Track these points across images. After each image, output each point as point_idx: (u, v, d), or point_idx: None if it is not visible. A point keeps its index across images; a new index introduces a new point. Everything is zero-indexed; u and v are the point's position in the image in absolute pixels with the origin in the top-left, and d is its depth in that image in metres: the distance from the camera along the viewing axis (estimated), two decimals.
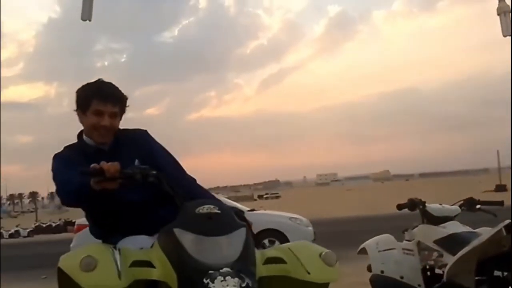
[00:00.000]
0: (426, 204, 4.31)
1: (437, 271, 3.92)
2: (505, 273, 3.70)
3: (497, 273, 3.72)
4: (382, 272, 4.36)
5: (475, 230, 4.03)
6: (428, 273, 4.07)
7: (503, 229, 3.26)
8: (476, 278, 3.65)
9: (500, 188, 34.93)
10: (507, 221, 3.28)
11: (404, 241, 4.38)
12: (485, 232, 3.51)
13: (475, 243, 3.48)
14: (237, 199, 24.59)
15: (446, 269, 3.70)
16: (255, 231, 13.30)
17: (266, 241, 12.52)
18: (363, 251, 4.64)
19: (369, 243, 4.62)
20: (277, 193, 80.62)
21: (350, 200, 44.31)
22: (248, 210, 13.37)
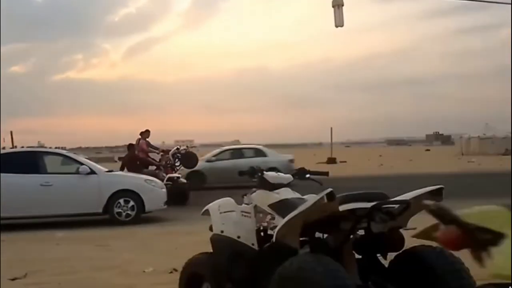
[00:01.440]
0: (264, 172, 4.39)
1: (270, 232, 4.00)
2: (325, 235, 3.88)
3: (318, 235, 3.88)
4: (221, 232, 4.38)
5: (303, 197, 4.17)
6: (262, 233, 4.15)
7: (325, 196, 3.38)
8: (301, 239, 3.77)
9: (331, 160, 36.81)
10: (328, 189, 3.41)
11: (243, 205, 4.44)
12: (310, 199, 3.63)
13: (301, 208, 3.58)
14: (98, 160, 23.88)
15: (275, 231, 3.79)
16: (111, 191, 13.02)
17: (121, 201, 12.28)
18: (207, 213, 4.65)
19: (212, 206, 4.63)
20: None
21: None
22: (106, 171, 13.02)
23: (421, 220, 9.07)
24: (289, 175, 4.49)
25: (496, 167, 29.71)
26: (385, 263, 3.92)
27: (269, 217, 4.12)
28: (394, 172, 27.75)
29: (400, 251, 3.78)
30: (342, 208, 3.52)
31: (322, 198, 3.39)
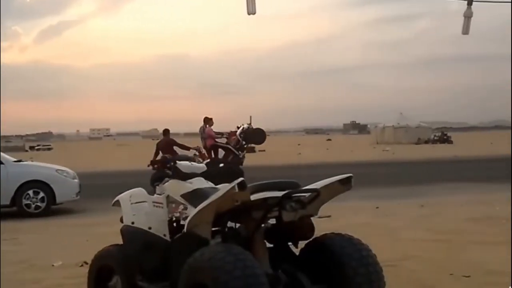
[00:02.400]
0: (177, 161, 4.36)
1: (182, 222, 3.98)
2: (238, 225, 3.90)
3: (231, 224, 3.90)
4: (132, 223, 4.32)
5: (217, 186, 4.17)
6: (175, 224, 4.12)
7: (236, 186, 3.40)
8: (213, 229, 3.78)
9: (250, 149, 36.94)
10: (240, 179, 3.43)
11: (155, 195, 4.39)
12: (223, 188, 3.63)
13: (212, 198, 3.59)
14: (7, 150, 22.77)
15: (186, 221, 3.78)
16: (20, 182, 12.50)
17: (30, 192, 11.85)
18: (117, 204, 4.57)
19: (123, 196, 4.55)
20: (49, 145, 76.47)
21: (120, 155, 43.75)
22: (14, 161, 12.50)
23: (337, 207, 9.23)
24: (202, 165, 4.48)
25: (409, 155, 30.97)
26: (297, 251, 4.00)
27: (181, 207, 4.10)
28: (311, 160, 28.30)
29: (311, 239, 3.86)
30: (253, 197, 3.55)
31: (233, 187, 3.41)
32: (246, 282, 3.15)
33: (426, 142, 49.67)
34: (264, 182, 3.71)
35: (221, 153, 17.40)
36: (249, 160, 26.90)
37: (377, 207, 10.48)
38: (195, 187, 4.11)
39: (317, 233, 3.89)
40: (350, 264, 3.59)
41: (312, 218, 3.90)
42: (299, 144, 53.34)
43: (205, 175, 4.34)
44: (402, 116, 54.68)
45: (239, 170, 14.98)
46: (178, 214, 4.10)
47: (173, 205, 4.17)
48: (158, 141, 16.91)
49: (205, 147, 16.98)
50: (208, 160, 16.14)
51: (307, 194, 3.71)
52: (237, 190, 3.40)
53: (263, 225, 3.78)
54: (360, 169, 22.20)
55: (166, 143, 16.08)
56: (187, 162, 4.41)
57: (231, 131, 17.63)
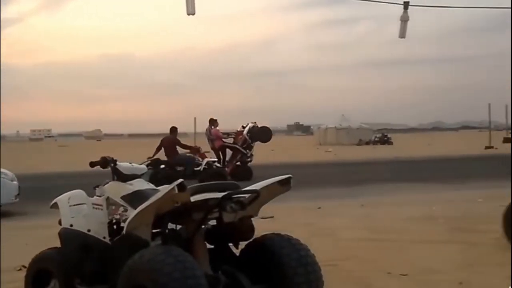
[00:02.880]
0: (117, 162, 4.30)
1: (123, 224, 3.93)
2: (179, 226, 3.88)
3: (171, 226, 3.88)
4: (71, 225, 4.24)
5: (158, 188, 4.14)
6: (115, 226, 4.07)
7: (176, 187, 3.39)
8: (153, 230, 3.75)
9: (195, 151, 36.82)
10: (179, 180, 3.42)
11: (95, 197, 4.32)
12: (163, 190, 3.61)
13: (152, 199, 3.57)
14: None
15: (126, 223, 3.73)
16: None
17: None
18: (55, 206, 4.47)
19: (61, 198, 4.46)
20: None
21: (61, 156, 42.72)
22: None
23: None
24: (143, 166, 4.44)
25: (351, 156, 31.48)
26: (237, 252, 4.01)
27: (121, 209, 4.05)
28: (255, 161, 28.37)
29: (251, 240, 3.89)
30: (193, 198, 3.55)
31: (173, 189, 3.40)
32: (185, 284, 3.14)
33: (367, 143, 50.59)
34: (204, 183, 3.73)
35: (228, 153, 17.88)
36: None
37: (319, 208, 10.60)
38: (135, 189, 4.07)
39: (261, 233, 3.92)
40: (289, 264, 3.64)
41: (254, 218, 3.93)
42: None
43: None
44: (344, 117, 55.55)
45: (220, 170, 15.75)
46: (118, 216, 4.05)
47: (113, 207, 4.12)
48: (163, 137, 16.89)
49: (213, 148, 17.42)
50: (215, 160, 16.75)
51: (247, 195, 3.73)
52: (176, 191, 3.39)
53: (203, 226, 3.79)
54: (303, 170, 22.45)
55: (171, 141, 16.26)
56: (127, 163, 4.36)
57: (238, 131, 17.92)
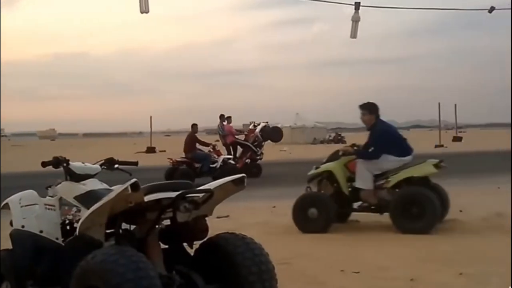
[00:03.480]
0: (70, 162, 4.22)
1: (76, 225, 3.86)
2: (133, 226, 3.84)
3: (126, 226, 3.84)
4: (22, 226, 4.14)
5: (111, 188, 4.08)
6: (68, 227, 4.00)
7: (129, 187, 3.35)
8: (107, 231, 3.70)
9: (150, 150, 36.49)
10: (133, 180, 3.38)
11: (47, 197, 4.23)
12: (117, 189, 3.56)
13: (104, 199, 3.52)
14: None
15: (79, 223, 3.67)
16: None
17: None
18: (7, 206, 4.36)
19: (12, 199, 4.35)
20: None
21: (14, 156, 41.65)
22: None
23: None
24: (96, 166, 4.37)
25: (305, 155, 31.70)
26: (192, 252, 3.99)
27: (74, 209, 3.99)
28: None
29: (205, 240, 3.88)
30: (147, 198, 3.52)
31: (126, 189, 3.36)
32: (139, 284, 3.11)
33: (322, 142, 51.04)
34: (158, 183, 3.69)
35: (239, 150, 18.30)
36: (149, 160, 26.53)
37: (274, 207, 10.64)
38: (88, 189, 4.00)
39: (216, 232, 3.92)
40: (243, 263, 3.64)
41: (209, 218, 3.93)
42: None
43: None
44: (298, 116, 55.84)
45: (233, 167, 16.03)
46: (71, 217, 3.99)
47: (66, 208, 4.05)
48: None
49: (224, 144, 17.81)
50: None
51: (201, 195, 3.72)
52: (130, 191, 3.35)
53: (157, 226, 3.76)
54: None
55: (190, 138, 16.94)
56: (79, 163, 4.29)
57: (250, 129, 18.39)
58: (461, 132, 54.40)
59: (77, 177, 4.15)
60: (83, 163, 4.33)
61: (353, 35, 9.04)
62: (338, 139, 52.35)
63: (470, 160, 23.10)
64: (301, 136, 51.96)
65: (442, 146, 35.91)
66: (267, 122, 18.66)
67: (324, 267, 5.70)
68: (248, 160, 17.54)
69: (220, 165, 16.25)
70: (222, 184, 3.77)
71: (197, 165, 16.15)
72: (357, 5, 8.78)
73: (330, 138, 53.99)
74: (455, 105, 43.78)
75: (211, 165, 16.20)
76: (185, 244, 3.99)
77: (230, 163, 16.75)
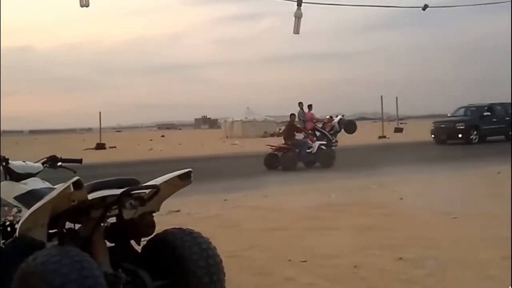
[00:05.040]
0: (10, 161, 4.08)
1: (17, 226, 3.73)
2: (77, 225, 3.74)
3: (70, 225, 3.73)
4: None
5: (54, 186, 3.96)
6: (8, 228, 3.86)
7: (71, 185, 3.25)
8: (50, 231, 3.59)
9: (100, 146, 35.58)
10: (75, 178, 3.29)
11: None
12: (59, 188, 3.46)
13: (46, 199, 3.41)
14: None
15: (19, 224, 3.55)
16: None
17: None
18: None
19: None
20: None
21: None
22: None
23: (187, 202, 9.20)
24: (38, 164, 4.24)
25: (256, 148, 31.81)
26: (140, 249, 3.93)
27: (15, 210, 3.85)
28: (163, 156, 28.07)
29: (152, 236, 3.82)
30: (91, 196, 3.43)
31: (68, 187, 3.26)
32: (83, 284, 3.02)
33: (272, 135, 51.25)
34: (102, 180, 3.60)
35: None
36: (99, 156, 26.08)
37: (225, 200, 10.62)
38: (29, 188, 3.88)
39: (167, 228, 3.87)
40: (190, 257, 3.61)
41: (160, 213, 3.87)
42: (151, 140, 52.59)
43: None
44: (249, 110, 55.97)
45: (332, 152, 18.30)
46: (11, 218, 3.85)
47: (6, 208, 3.90)
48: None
49: (303, 130, 19.08)
50: None
51: (147, 191, 3.66)
52: (72, 189, 3.25)
53: (102, 224, 3.67)
54: (211, 163, 22.44)
55: (290, 126, 18.83)
56: (20, 161, 4.15)
57: (328, 119, 20.11)
58: (402, 123, 55.66)
59: (18, 176, 4.02)
60: (24, 161, 4.20)
61: (296, 30, 9.09)
62: None
63: (410, 150, 23.65)
64: (252, 130, 52.10)
65: (384, 137, 36.76)
66: (343, 116, 20.37)
67: (272, 258, 5.72)
68: (323, 146, 18.75)
69: (316, 150, 18.14)
70: (168, 179, 3.71)
71: (297, 150, 17.97)
72: (299, 2, 8.83)
73: (280, 131, 54.29)
74: (396, 98, 44.77)
75: (307, 150, 18.04)
76: (132, 241, 3.93)
77: (322, 148, 18.38)
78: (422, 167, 16.27)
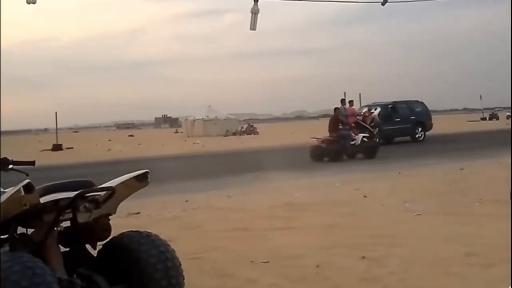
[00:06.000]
0: None
1: None
2: (30, 230, 3.66)
3: (22, 230, 3.65)
4: None
5: (5, 190, 3.87)
6: None
7: (22, 189, 3.18)
8: (2, 236, 3.52)
9: (57, 147, 35.00)
10: (26, 181, 3.22)
11: None
12: (9, 191, 3.38)
13: None
14: None
15: None
16: None
17: None
18: None
19: None
20: None
21: None
22: None
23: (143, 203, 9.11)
24: None
25: (218, 147, 31.75)
26: (95, 253, 3.87)
27: None
28: (122, 156, 27.76)
29: (108, 239, 3.77)
30: (43, 200, 3.37)
31: (18, 190, 3.19)
32: None
33: (234, 134, 51.30)
34: (55, 183, 3.54)
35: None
36: (56, 158, 25.63)
37: (186, 201, 10.57)
38: None
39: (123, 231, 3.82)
40: (148, 260, 3.57)
41: (119, 216, 3.82)
42: (110, 140, 51.95)
43: None
44: (210, 109, 55.80)
45: (375, 143, 20.30)
46: None
47: None
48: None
49: (347, 123, 20.59)
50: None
51: (102, 193, 3.60)
52: (23, 193, 3.18)
53: (56, 228, 3.60)
54: (171, 163, 22.28)
55: (334, 119, 20.10)
56: None
57: (367, 112, 22.48)
58: None
59: None
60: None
61: (253, 27, 9.08)
62: (251, 130, 52.81)
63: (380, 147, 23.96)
64: (214, 128, 51.99)
65: None
66: (381, 109, 23.17)
67: (234, 259, 5.71)
68: (365, 139, 20.17)
69: (359, 142, 19.66)
70: (124, 181, 3.67)
71: (342, 142, 19.38)
72: None
73: (243, 129, 54.34)
74: (360, 94, 45.28)
75: (351, 143, 19.50)
76: (88, 245, 3.86)
77: (365, 140, 19.92)
78: (387, 164, 16.53)
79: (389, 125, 26.92)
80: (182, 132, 59.61)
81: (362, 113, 22.24)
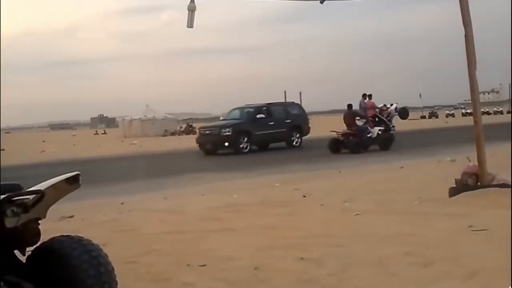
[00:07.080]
0: None
1: None
2: None
3: None
4: None
5: None
6: None
7: None
8: None
9: None
10: None
11: None
12: None
13: None
14: None
15: None
16: None
17: None
18: None
19: None
20: None
21: None
22: None
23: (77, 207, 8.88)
24: None
25: (156, 148, 31.43)
26: (24, 259, 3.74)
27: None
28: (56, 158, 27.07)
29: (38, 244, 3.65)
30: None
31: None
32: None
33: (173, 133, 50.94)
34: None
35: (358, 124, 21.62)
36: None
37: (122, 203, 10.40)
38: None
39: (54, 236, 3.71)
40: (80, 266, 3.48)
41: (53, 219, 3.71)
42: (43, 141, 50.55)
43: None
44: (148, 108, 55.19)
45: (390, 136, 21.72)
46: None
47: None
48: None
49: (364, 116, 22.02)
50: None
51: (30, 196, 3.48)
52: None
53: None
54: (107, 164, 21.90)
55: (352, 115, 21.49)
56: None
57: (384, 107, 23.20)
58: None
59: None
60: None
61: (190, 24, 9.00)
62: (190, 130, 52.50)
63: (315, 145, 24.28)
64: (152, 128, 51.46)
65: None
66: (397, 103, 23.66)
67: (170, 263, 5.65)
68: (379, 131, 21.62)
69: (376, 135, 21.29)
70: (54, 184, 3.56)
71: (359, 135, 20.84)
72: None
73: (182, 129, 53.98)
74: (300, 93, 45.89)
75: (367, 136, 21.04)
76: (16, 251, 3.73)
77: (379, 133, 21.45)
78: (325, 163, 16.78)
79: (261, 130, 24.41)
80: (103, 133, 58.58)
81: (379, 107, 23.66)
